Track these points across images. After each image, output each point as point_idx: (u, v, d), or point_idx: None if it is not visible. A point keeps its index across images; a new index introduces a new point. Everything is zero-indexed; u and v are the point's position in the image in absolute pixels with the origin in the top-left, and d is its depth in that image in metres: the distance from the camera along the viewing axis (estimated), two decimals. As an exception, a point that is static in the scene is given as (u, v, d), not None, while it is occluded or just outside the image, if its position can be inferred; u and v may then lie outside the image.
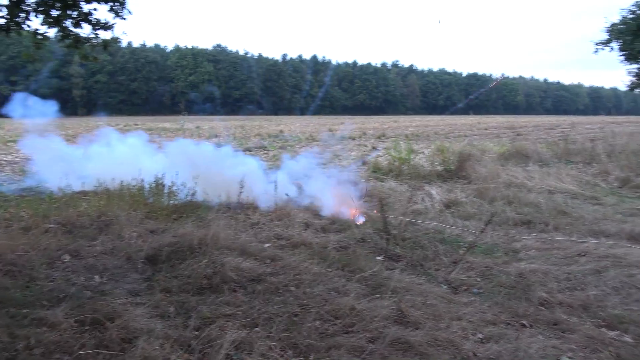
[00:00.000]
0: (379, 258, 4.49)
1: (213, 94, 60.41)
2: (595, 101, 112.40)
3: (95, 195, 5.83)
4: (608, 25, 16.33)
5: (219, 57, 71.33)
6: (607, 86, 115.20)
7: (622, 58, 16.55)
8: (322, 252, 4.43)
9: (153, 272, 3.88)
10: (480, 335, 3.01)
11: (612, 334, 3.08)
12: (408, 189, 7.42)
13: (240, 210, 5.86)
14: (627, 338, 3.04)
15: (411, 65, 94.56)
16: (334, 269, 4.03)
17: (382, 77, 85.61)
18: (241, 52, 77.08)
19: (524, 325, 3.19)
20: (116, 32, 5.01)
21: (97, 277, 3.74)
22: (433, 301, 3.45)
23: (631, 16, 15.81)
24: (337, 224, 5.48)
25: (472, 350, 2.80)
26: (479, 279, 4.07)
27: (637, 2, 15.90)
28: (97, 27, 4.80)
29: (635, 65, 16.70)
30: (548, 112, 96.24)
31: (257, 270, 3.90)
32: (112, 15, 4.77)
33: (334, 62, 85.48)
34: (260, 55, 78.73)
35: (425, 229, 5.37)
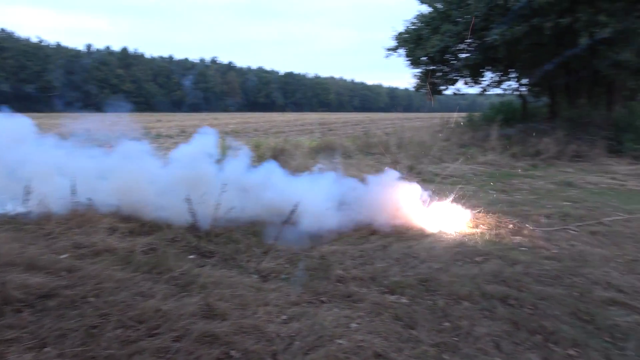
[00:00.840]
0: (191, 256, 4.45)
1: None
2: (393, 100, 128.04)
3: None
4: (396, 33, 18.77)
5: (5, 44, 60.82)
6: (401, 87, 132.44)
7: (408, 63, 19.17)
8: (128, 257, 4.19)
9: None
10: (284, 317, 3.23)
11: (392, 298, 3.62)
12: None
13: (31, 219, 5.15)
14: (404, 300, 3.61)
15: (230, 62, 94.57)
16: (140, 272, 3.86)
17: (201, 73, 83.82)
18: (34, 40, 66.97)
19: (322, 302, 3.53)
20: None
21: None
22: (242, 291, 3.57)
23: (413, 27, 18.42)
24: (147, 226, 5.23)
25: (276, 331, 2.99)
26: (287, 265, 4.34)
27: (417, 15, 18.61)
28: None
29: (418, 70, 19.45)
30: (356, 109, 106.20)
31: (49, 284, 3.50)
32: None
33: (147, 55, 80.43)
34: (59, 45, 69.56)
35: (238, 222, 5.48)
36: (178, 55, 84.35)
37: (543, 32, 12.15)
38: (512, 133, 13.57)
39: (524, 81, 18.86)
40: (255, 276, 4.06)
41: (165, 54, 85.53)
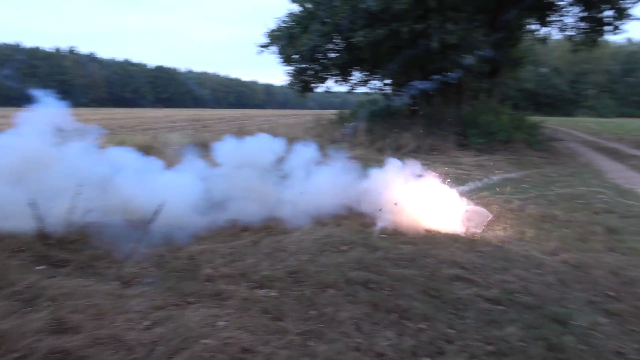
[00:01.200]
0: (39, 267, 3.99)
1: None
2: (269, 96, 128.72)
3: None
4: (268, 30, 18.88)
5: None
6: (277, 84, 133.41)
7: (281, 60, 19.40)
8: (-43, 274, 3.62)
9: None
10: (147, 323, 3.07)
11: (262, 292, 3.66)
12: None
13: None
14: (273, 293, 3.66)
15: (91, 53, 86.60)
16: (-27, 290, 3.37)
17: (57, 65, 75.45)
18: None
19: (190, 303, 3.43)
20: None
21: None
22: (99, 301, 3.31)
23: (284, 25, 18.69)
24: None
25: (136, 339, 2.83)
26: (153, 269, 4.13)
27: (288, 13, 18.91)
28: None
29: (291, 67, 19.80)
30: (232, 106, 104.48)
31: None
32: None
33: (-13, 41, 69.95)
34: None
35: (97, 225, 5.06)
36: (28, 43, 74.48)
37: (401, 36, 13.20)
38: (374, 128, 14.53)
39: (387, 81, 20.29)
40: (116, 283, 3.79)
41: (11, 41, 75.18)
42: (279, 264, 4.22)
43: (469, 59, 13.58)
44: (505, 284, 3.98)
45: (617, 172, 11.68)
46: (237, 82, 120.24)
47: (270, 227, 5.28)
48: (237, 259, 4.34)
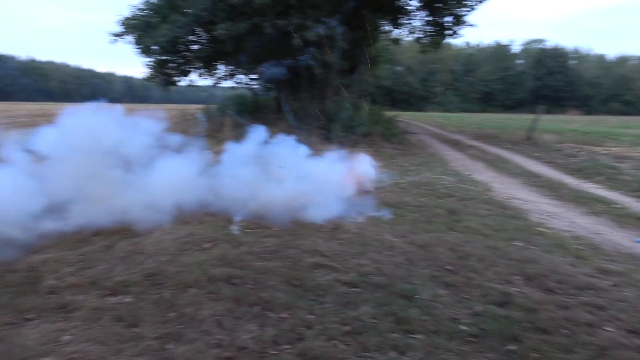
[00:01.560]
0: None
1: None
2: (130, 89, 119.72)
3: None
4: (122, 18, 17.51)
5: None
6: (137, 76, 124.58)
7: (139, 51, 18.15)
8: None
9: None
10: (-29, 348, 2.68)
11: (115, 299, 3.42)
12: None
13: None
14: (128, 299, 3.44)
15: None
16: None
17: None
18: None
19: (28, 320, 3.07)
20: None
21: None
22: None
23: (140, 13, 17.51)
24: None
25: (-43, 368, 2.46)
26: (-19, 286, 3.60)
27: (145, 0, 17.73)
28: None
29: (150, 59, 18.65)
30: (86, 99, 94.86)
31: None
32: None
33: None
34: None
35: None
36: None
37: (263, 31, 13.25)
38: (244, 122, 14.44)
39: (253, 75, 20.25)
40: None
41: None
42: (135, 267, 3.97)
43: (318, 29, 13.75)
44: (361, 267, 4.26)
45: (458, 161, 13.19)
46: (91, 74, 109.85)
47: (126, 230, 4.94)
48: (86, 266, 3.98)
